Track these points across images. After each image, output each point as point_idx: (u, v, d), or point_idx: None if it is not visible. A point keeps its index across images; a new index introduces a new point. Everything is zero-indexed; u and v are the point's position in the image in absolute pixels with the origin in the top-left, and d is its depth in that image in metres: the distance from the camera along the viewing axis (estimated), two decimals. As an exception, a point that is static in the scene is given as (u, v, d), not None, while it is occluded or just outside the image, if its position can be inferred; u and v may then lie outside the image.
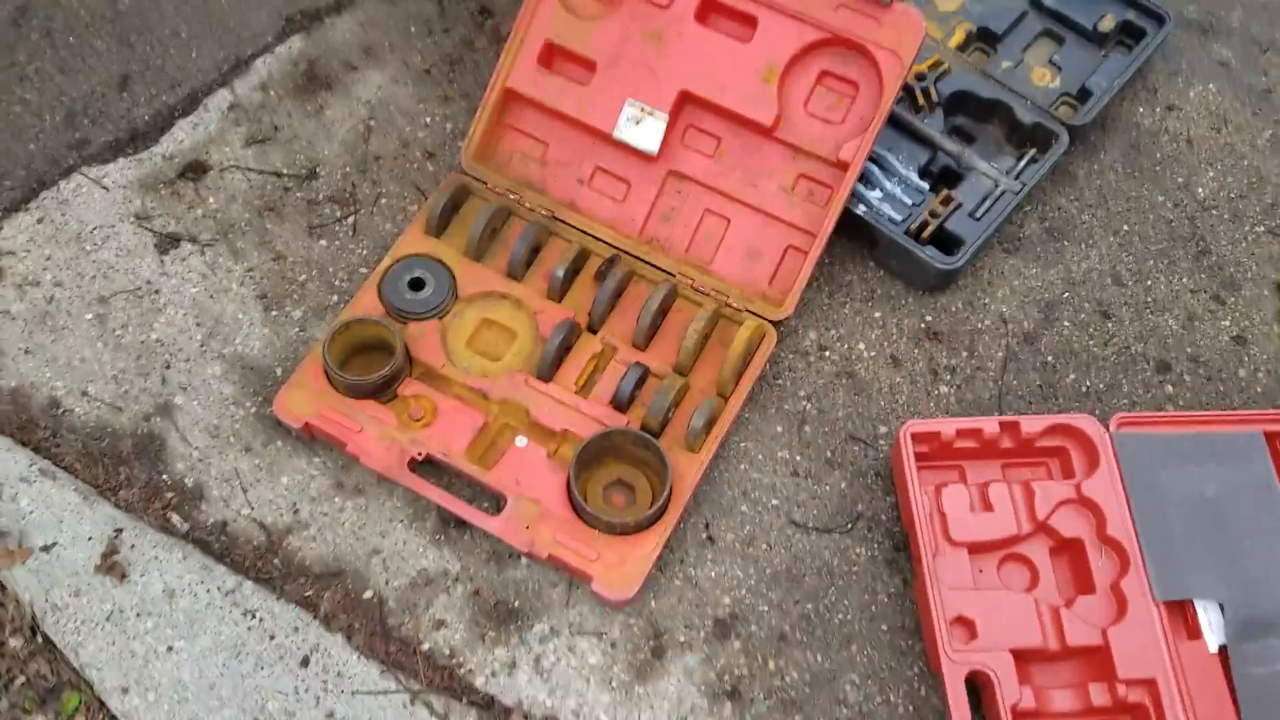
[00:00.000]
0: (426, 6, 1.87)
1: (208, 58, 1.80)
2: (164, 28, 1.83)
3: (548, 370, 1.51)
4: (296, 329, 1.60)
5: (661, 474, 1.45)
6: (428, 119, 1.77)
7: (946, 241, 1.61)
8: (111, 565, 1.41)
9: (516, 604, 1.43)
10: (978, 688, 1.36)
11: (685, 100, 1.60)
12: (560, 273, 1.55)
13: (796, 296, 1.55)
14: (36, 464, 1.48)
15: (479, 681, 1.39)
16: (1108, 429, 1.46)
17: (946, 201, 1.59)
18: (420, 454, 1.46)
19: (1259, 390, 1.61)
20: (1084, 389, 1.60)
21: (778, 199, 1.59)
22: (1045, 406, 1.58)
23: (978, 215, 1.60)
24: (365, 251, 1.66)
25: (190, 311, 1.60)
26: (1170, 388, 1.60)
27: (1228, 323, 1.66)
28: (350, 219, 1.68)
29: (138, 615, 1.39)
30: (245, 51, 1.81)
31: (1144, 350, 1.63)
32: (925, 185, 1.63)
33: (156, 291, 1.61)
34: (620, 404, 1.50)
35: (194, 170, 1.71)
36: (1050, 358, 1.62)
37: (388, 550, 1.46)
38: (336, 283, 1.63)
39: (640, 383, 1.51)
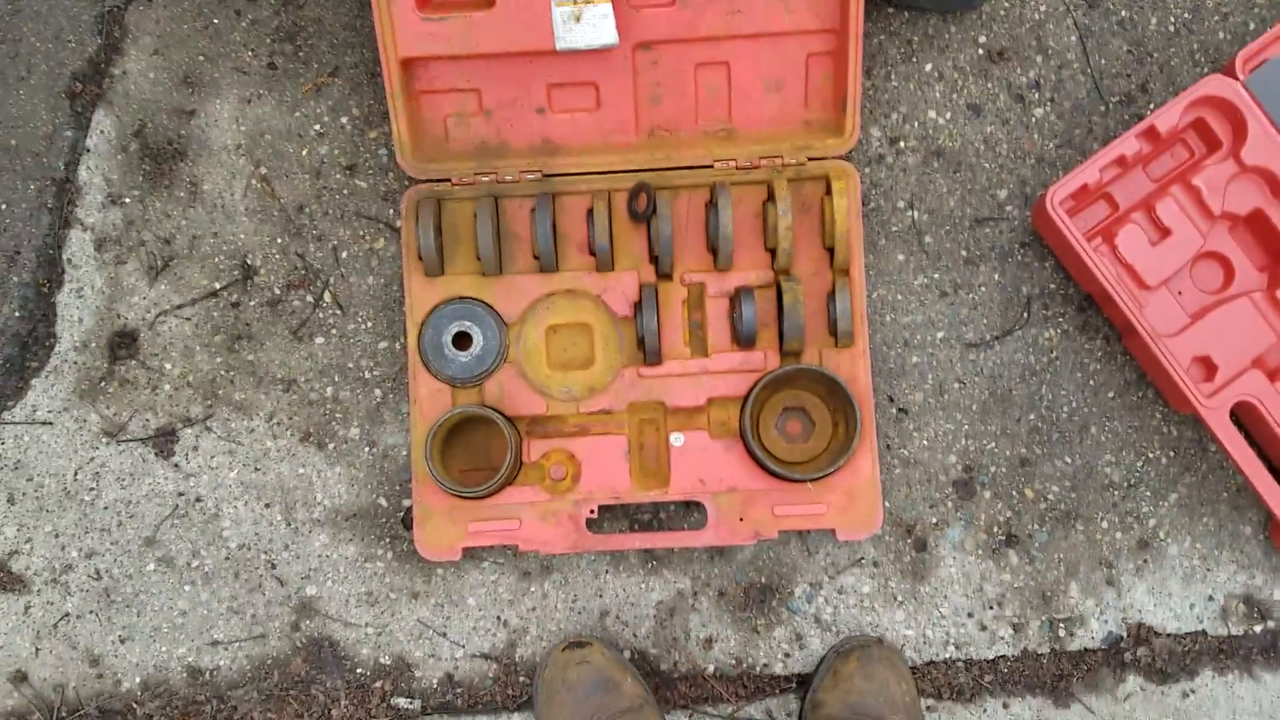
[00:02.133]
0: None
1: (18, 198, 1.46)
2: (-64, 187, 1.49)
3: (655, 354, 1.39)
4: (366, 447, 1.45)
5: (828, 386, 1.37)
6: (316, 127, 1.47)
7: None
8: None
9: (764, 581, 1.43)
10: (1235, 413, 1.38)
11: (614, -38, 1.34)
12: (606, 243, 1.37)
13: (856, 116, 1.38)
14: (237, 745, 1.42)
15: (778, 669, 1.43)
16: (1235, 78, 1.37)
17: (952, -93, 1.38)
18: (592, 511, 1.39)
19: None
20: (1172, 26, 1.47)
21: (772, 12, 1.35)
22: (1143, 71, 1.46)
23: (990, -98, 1.39)
24: (370, 323, 1.46)
25: (247, 498, 1.44)
26: (1256, -26, 1.49)
27: None
28: (325, 295, 1.46)
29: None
30: (56, 165, 1.46)
31: (1212, -56, 1.49)
32: (920, -99, 1.40)
33: (197, 499, 1.44)
34: (747, 340, 1.39)
35: (123, 345, 1.46)
36: (1122, 12, 1.47)
37: (613, 606, 1.43)
38: (366, 375, 1.45)
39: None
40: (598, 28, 1.34)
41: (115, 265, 1.47)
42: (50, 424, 1.45)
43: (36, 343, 1.46)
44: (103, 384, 1.46)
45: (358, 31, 1.48)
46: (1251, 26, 1.46)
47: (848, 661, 1.37)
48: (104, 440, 1.45)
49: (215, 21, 1.49)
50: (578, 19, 1.34)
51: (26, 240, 1.48)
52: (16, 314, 1.47)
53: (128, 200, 1.47)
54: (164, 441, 1.45)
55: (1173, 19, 1.47)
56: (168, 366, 1.46)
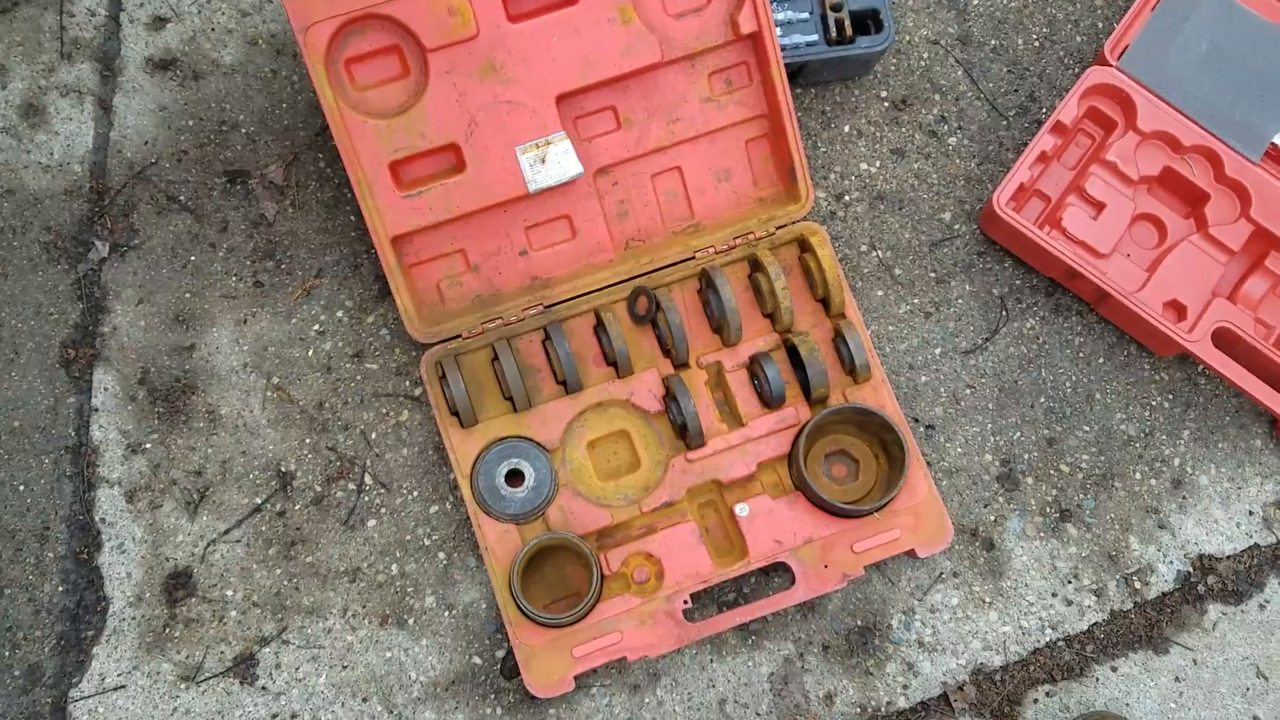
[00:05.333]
0: (178, 221, 1.54)
1: (34, 476, 1.45)
2: (-54, 491, 1.47)
3: (698, 435, 1.45)
4: (445, 611, 1.44)
5: (859, 422, 1.46)
6: (315, 327, 1.53)
7: (861, 21, 1.58)
8: None
9: (861, 624, 1.47)
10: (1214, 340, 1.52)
11: (563, 102, 1.45)
12: (624, 350, 1.45)
13: (806, 179, 1.51)
14: None
15: (901, 703, 1.44)
16: (1109, 65, 1.57)
17: (832, -13, 1.56)
18: (686, 600, 1.41)
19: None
20: (1036, 42, 1.68)
21: (707, 114, 1.49)
22: (1026, 84, 1.65)
23: (862, -24, 1.58)
24: (416, 492, 1.48)
25: (343, 698, 1.41)
26: (1088, -19, 1.72)
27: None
28: (365, 479, 1.48)
29: None
30: (66, 432, 1.47)
31: (1044, -32, 1.72)
32: (803, -12, 1.58)
33: (293, 716, 1.39)
34: (777, 400, 1.47)
35: (179, 586, 1.43)
36: (993, 41, 1.68)
37: (728, 691, 1.44)
38: (426, 541, 1.47)
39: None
40: (562, 163, 1.45)
41: (151, 511, 1.46)
42: (123, 687, 1.40)
43: (88, 610, 1.43)
44: (167, 630, 1.42)
45: (331, 232, 1.56)
46: (1100, 25, 1.68)
47: None
48: (183, 686, 1.40)
49: (193, 259, 1.54)
50: (543, 160, 1.45)
51: (54, 513, 1.46)
52: (60, 589, 1.43)
53: (148, 445, 1.48)
54: (245, 668, 1.42)
55: (1035, 37, 1.68)
56: (229, 594, 1.44)
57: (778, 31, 1.56)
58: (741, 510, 1.45)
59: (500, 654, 1.44)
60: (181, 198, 1.57)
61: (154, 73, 1.61)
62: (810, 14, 1.58)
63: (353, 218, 1.57)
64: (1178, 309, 1.52)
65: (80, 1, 1.63)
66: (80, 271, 1.54)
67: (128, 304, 1.53)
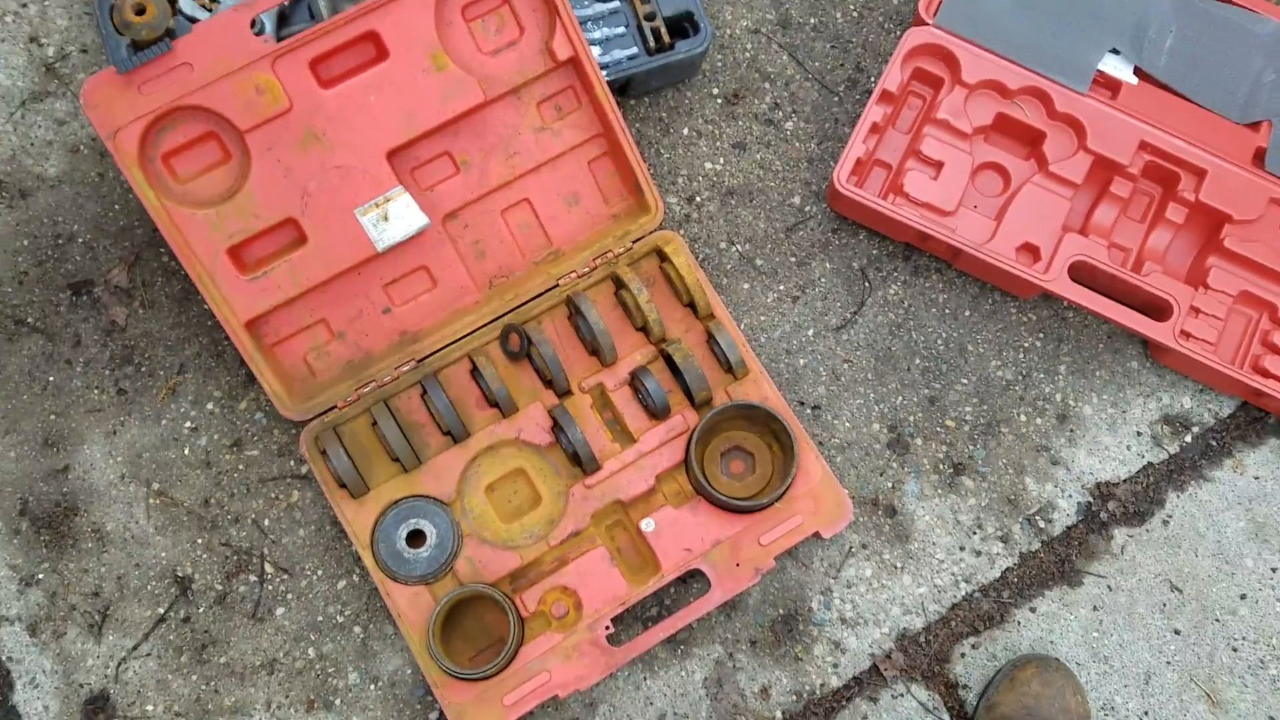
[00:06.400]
0: (30, 344, 1.49)
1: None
2: None
3: (592, 461, 1.45)
4: (370, 685, 1.42)
5: (747, 416, 1.47)
6: (187, 424, 1.49)
7: (678, 25, 1.58)
8: None
9: (783, 612, 1.48)
10: (1073, 276, 1.55)
11: (394, 157, 1.44)
12: (503, 390, 1.44)
13: (652, 189, 1.51)
14: None
15: (835, 682, 1.45)
16: (927, 24, 1.59)
17: (644, -2, 1.56)
18: (608, 626, 1.41)
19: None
20: (855, 12, 1.70)
21: (543, 142, 1.49)
22: (851, 57, 1.67)
23: (668, -17, 1.58)
24: (320, 571, 1.45)
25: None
26: (893, -54, 1.74)
27: None
28: (266, 568, 1.45)
29: None
30: (-50, 581, 1.44)
31: (849, -59, 1.74)
32: (615, 3, 1.57)
33: (234, 820, 1.38)
34: (662, 411, 1.47)
35: (98, 710, 1.39)
36: (812, 19, 1.69)
37: (667, 706, 1.43)
38: (340, 619, 1.44)
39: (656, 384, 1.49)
40: (406, 218, 1.44)
41: (57, 640, 1.42)
42: (55, 826, 1.37)
43: (7, 755, 1.39)
44: (91, 759, 1.39)
45: (186, 325, 1.53)
46: (912, -14, 1.71)
47: (1025, 669, 1.43)
48: (116, 813, 1.38)
49: (51, 379, 1.50)
50: (385, 218, 1.43)
51: (-47, 663, 1.42)
52: (-27, 739, 1.40)
53: (41, 576, 1.44)
54: (176, 782, 1.39)
55: (852, 7, 1.69)
56: (149, 709, 1.41)
57: (596, 51, 1.57)
58: (647, 525, 1.45)
59: (433, 716, 1.42)
60: (30, 319, 1.52)
61: (-21, 197, 1.58)
62: (626, 28, 1.58)
63: (206, 306, 1.54)
64: (1031, 251, 1.54)
65: (-111, 138, 1.59)
66: (-63, 413, 1.50)
67: (-8, 437, 1.49)
